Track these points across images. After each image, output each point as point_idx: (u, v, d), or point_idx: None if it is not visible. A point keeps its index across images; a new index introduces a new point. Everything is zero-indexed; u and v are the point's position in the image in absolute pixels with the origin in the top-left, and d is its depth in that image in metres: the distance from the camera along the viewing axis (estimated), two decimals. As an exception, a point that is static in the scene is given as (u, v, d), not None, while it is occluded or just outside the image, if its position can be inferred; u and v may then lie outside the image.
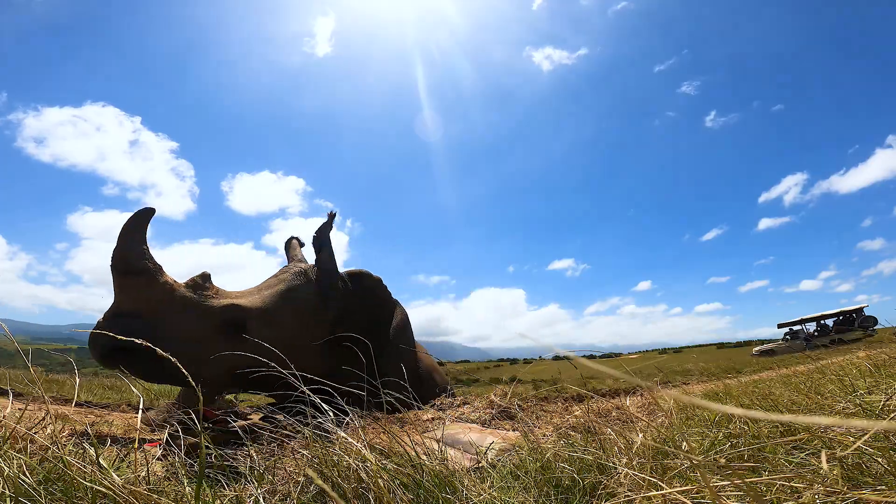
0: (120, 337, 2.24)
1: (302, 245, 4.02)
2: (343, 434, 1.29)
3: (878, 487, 0.87)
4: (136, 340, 2.08)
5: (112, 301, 2.51)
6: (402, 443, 1.33)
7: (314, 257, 3.59)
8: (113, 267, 2.48)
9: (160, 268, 2.63)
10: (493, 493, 1.23)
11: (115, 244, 2.51)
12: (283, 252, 4.05)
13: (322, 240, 3.57)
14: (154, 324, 2.52)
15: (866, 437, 1.02)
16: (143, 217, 2.57)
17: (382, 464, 1.22)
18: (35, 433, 1.22)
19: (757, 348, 26.76)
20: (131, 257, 2.47)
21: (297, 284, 3.17)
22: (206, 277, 2.91)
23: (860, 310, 23.95)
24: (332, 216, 3.73)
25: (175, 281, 2.75)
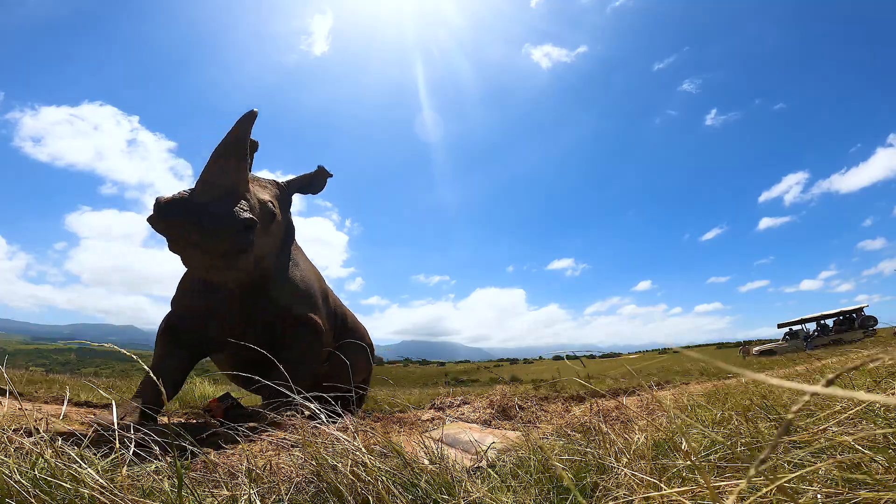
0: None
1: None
2: (341, 435, 1.29)
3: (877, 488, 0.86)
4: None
5: (202, 177, 2.64)
6: (401, 443, 1.33)
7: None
8: (226, 145, 2.67)
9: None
10: (493, 493, 1.23)
11: (230, 129, 2.75)
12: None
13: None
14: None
15: (863, 435, 1.02)
16: (251, 117, 2.84)
17: (379, 466, 1.21)
18: (29, 434, 1.22)
19: (757, 348, 26.61)
20: (246, 144, 2.76)
21: (277, 193, 3.67)
22: (254, 147, 3.23)
23: (860, 310, 23.97)
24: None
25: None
